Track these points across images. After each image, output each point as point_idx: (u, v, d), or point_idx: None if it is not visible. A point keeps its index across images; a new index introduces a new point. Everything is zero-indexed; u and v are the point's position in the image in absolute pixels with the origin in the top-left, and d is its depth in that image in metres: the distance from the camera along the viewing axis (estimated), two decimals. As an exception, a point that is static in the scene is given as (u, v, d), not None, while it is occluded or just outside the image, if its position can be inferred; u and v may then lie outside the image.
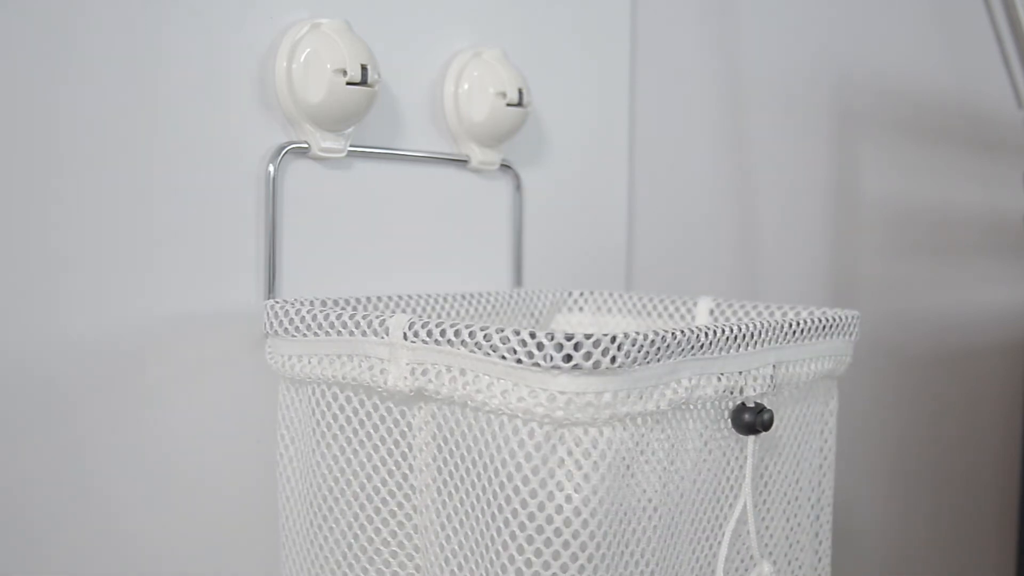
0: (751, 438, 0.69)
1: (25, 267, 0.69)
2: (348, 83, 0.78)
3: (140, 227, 0.74)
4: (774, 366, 0.71)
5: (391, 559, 0.72)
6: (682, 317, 0.91)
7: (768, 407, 0.69)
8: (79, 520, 0.73)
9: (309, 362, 0.72)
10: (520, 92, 0.92)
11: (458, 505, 0.66)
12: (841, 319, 0.78)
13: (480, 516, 0.64)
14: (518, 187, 0.97)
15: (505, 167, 0.96)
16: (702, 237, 1.22)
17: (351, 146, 0.83)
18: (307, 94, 0.79)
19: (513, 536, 0.61)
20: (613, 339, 0.59)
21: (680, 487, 0.67)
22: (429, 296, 0.85)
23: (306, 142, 0.80)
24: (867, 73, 1.42)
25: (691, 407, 0.67)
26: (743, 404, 0.69)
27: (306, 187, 0.82)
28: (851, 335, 0.80)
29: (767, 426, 0.68)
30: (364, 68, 0.79)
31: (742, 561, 0.73)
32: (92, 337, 0.72)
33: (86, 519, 0.73)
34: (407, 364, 0.66)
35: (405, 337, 0.65)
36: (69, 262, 0.71)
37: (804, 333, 0.74)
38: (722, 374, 0.67)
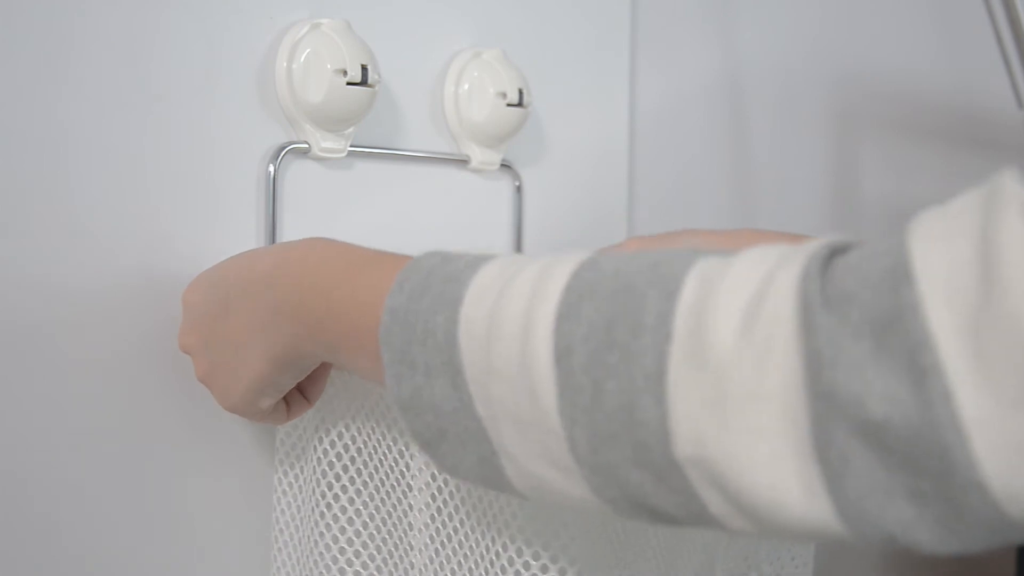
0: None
1: (21, 267, 0.69)
2: (348, 83, 0.78)
3: (139, 227, 0.74)
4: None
5: (388, 558, 0.71)
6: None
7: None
8: (72, 516, 0.73)
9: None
10: (520, 92, 0.92)
11: (459, 504, 0.66)
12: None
13: (482, 516, 0.64)
14: (518, 187, 0.97)
15: (505, 167, 0.96)
16: (702, 237, 1.22)
17: (351, 146, 0.83)
18: (307, 94, 0.78)
19: (513, 538, 0.61)
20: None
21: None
22: (429, 296, 0.85)
23: (306, 142, 0.80)
24: (866, 73, 1.42)
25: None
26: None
27: (306, 187, 0.82)
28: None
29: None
30: (364, 68, 0.79)
31: (745, 559, 0.73)
32: (90, 335, 0.72)
33: (80, 515, 0.73)
34: None
35: None
36: (67, 261, 0.71)
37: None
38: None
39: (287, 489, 0.76)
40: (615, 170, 1.09)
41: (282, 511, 0.77)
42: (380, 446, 0.70)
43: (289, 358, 0.61)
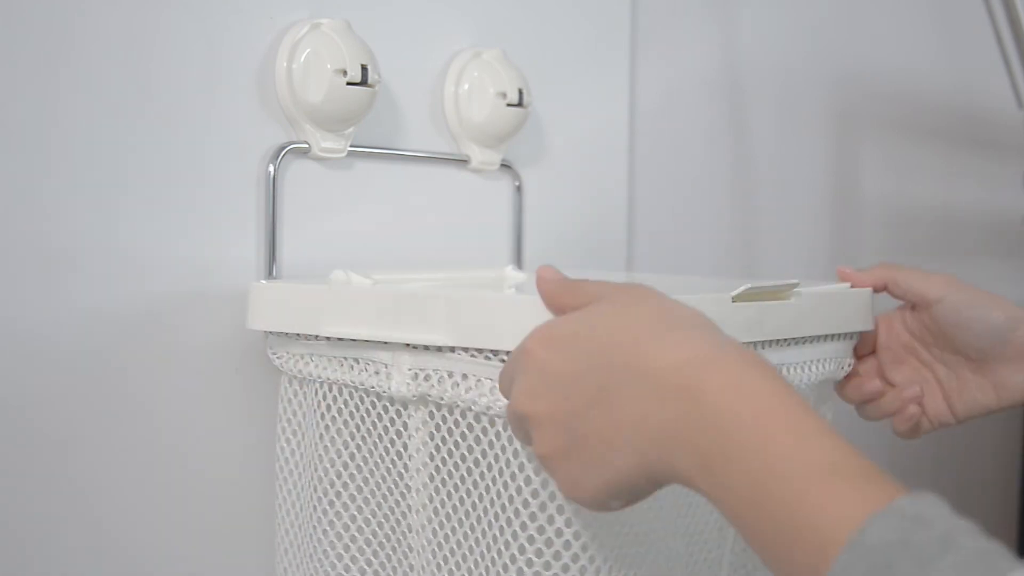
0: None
1: (21, 265, 0.69)
2: (348, 83, 0.78)
3: (139, 227, 0.74)
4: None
5: (386, 561, 0.71)
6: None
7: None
8: (70, 516, 0.72)
9: (312, 359, 0.72)
10: (520, 92, 0.92)
11: (457, 505, 0.66)
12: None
13: (482, 516, 0.64)
14: (518, 187, 0.97)
15: (505, 167, 0.96)
16: (702, 240, 1.22)
17: (351, 146, 0.83)
18: (307, 94, 0.78)
19: (515, 535, 0.61)
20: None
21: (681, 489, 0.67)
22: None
23: (306, 142, 0.80)
24: (866, 73, 1.42)
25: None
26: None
27: (306, 187, 0.82)
28: (852, 338, 0.79)
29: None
30: (364, 68, 0.79)
31: (743, 566, 0.73)
32: (89, 335, 0.72)
33: (78, 514, 0.73)
34: (409, 370, 0.66)
35: (407, 342, 0.65)
36: (67, 261, 0.71)
37: (807, 336, 0.73)
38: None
39: (287, 497, 0.76)
40: (615, 170, 1.09)
41: (284, 515, 0.76)
42: (378, 447, 0.70)
43: (664, 480, 0.51)
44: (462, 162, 0.93)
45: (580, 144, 1.05)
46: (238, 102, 0.78)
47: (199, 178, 0.76)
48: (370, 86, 0.79)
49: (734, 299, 0.66)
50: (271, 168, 0.78)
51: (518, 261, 0.98)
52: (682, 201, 1.19)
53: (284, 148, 0.79)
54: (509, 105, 0.91)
